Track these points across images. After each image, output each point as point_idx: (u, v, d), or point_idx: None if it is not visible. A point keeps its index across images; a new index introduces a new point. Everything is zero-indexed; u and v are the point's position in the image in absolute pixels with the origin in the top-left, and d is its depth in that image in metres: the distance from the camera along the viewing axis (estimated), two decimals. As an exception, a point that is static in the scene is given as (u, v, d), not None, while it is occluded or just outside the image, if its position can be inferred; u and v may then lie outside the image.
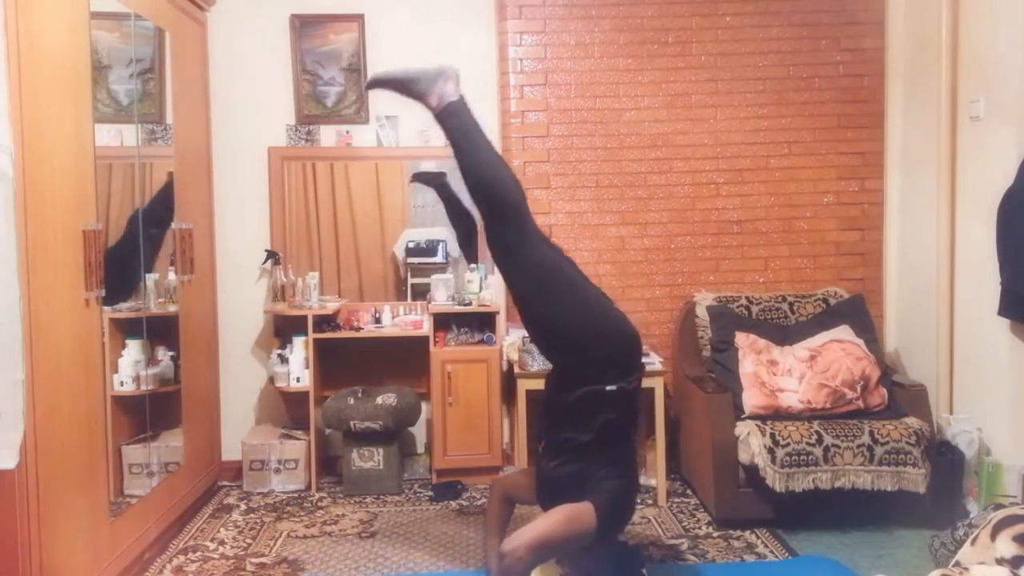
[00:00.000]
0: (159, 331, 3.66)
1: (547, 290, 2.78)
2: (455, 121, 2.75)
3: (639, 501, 4.03)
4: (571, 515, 2.64)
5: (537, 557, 2.61)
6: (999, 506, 2.73)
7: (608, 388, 2.72)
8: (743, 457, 3.65)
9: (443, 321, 4.39)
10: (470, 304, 4.34)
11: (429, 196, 4.69)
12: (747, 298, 4.35)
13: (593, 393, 2.74)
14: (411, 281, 4.64)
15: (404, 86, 2.79)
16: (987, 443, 3.73)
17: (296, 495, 4.26)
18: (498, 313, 4.39)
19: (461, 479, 4.32)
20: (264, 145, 4.52)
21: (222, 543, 3.68)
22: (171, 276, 3.82)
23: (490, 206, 2.77)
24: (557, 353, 2.90)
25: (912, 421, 3.70)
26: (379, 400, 4.23)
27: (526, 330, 3.01)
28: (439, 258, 4.59)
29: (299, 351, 4.29)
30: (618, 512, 2.79)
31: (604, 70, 4.51)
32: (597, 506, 2.65)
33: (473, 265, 4.49)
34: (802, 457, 3.56)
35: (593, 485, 2.70)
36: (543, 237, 2.94)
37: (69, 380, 2.80)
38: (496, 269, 4.53)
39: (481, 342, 4.36)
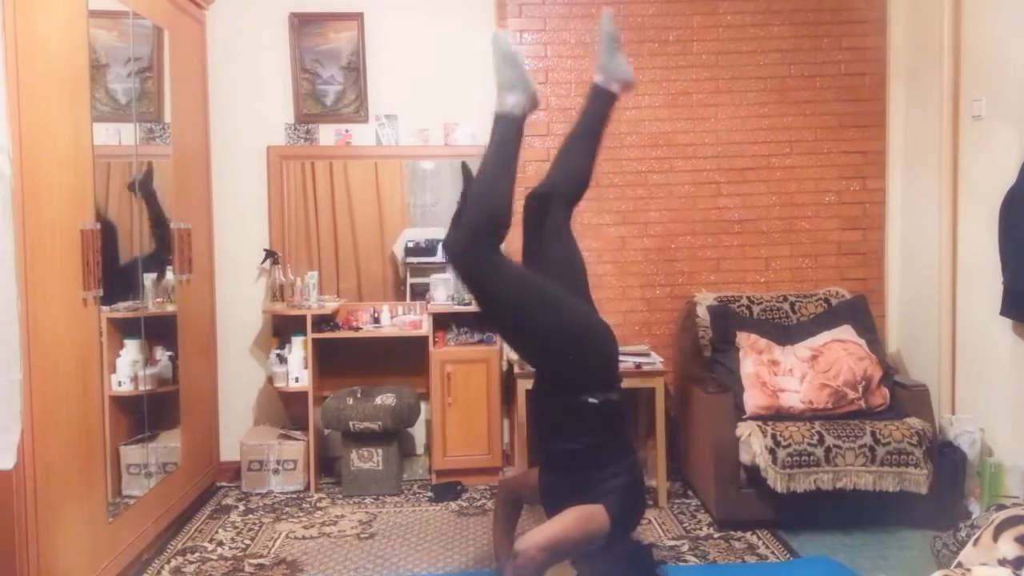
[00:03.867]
0: (157, 331, 3.65)
1: (527, 318, 2.71)
2: (509, 129, 2.76)
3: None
4: (584, 516, 2.62)
5: (551, 558, 2.59)
6: (1001, 507, 2.71)
7: (589, 400, 2.72)
8: (744, 458, 3.64)
9: (442, 321, 4.37)
10: (470, 304, 4.32)
11: (429, 196, 4.69)
12: (748, 298, 4.34)
13: (574, 402, 2.73)
14: (410, 281, 4.63)
15: (512, 68, 2.81)
16: (989, 443, 3.72)
17: (295, 496, 4.24)
18: (498, 313, 4.37)
19: (461, 480, 4.31)
20: (263, 144, 4.51)
21: (220, 544, 3.66)
22: (169, 276, 3.81)
23: (475, 218, 2.71)
24: (536, 355, 2.88)
25: (914, 421, 3.68)
26: (378, 400, 4.22)
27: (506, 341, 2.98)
28: (439, 258, 4.58)
29: (298, 351, 4.28)
30: (629, 510, 2.78)
31: (604, 69, 4.49)
32: (608, 508, 2.64)
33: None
34: (804, 458, 3.55)
35: (598, 490, 2.69)
36: (517, 265, 2.88)
37: (67, 380, 2.78)
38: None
39: (481, 342, 4.35)
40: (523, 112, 2.78)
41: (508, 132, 2.76)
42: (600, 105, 3.00)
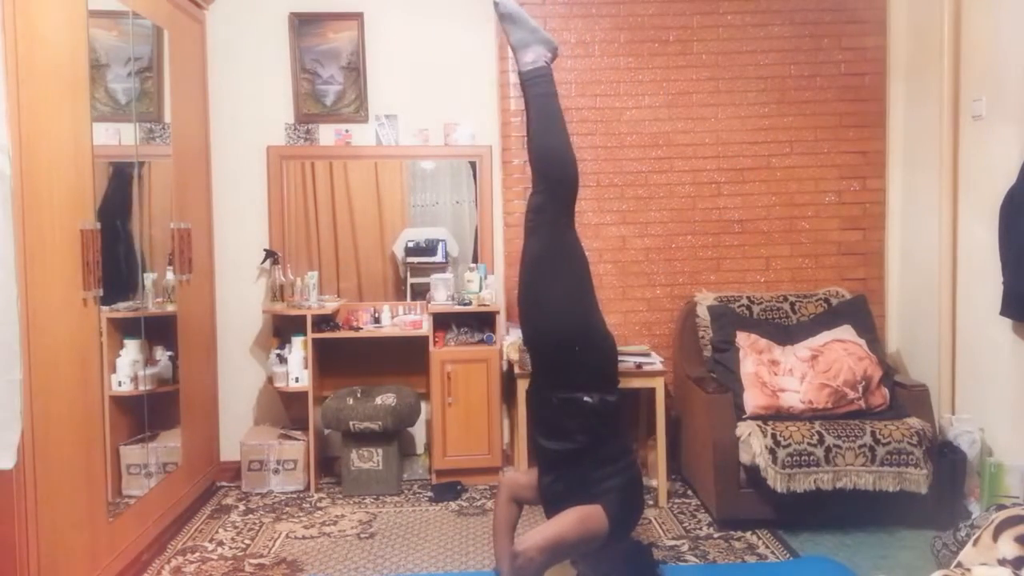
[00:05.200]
0: (157, 331, 3.64)
1: (559, 273, 2.80)
2: (542, 86, 2.80)
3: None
4: (583, 516, 2.63)
5: (550, 558, 2.60)
6: (1001, 507, 2.71)
7: (585, 399, 2.73)
8: (744, 458, 3.64)
9: (443, 321, 4.37)
10: (470, 304, 4.32)
11: (428, 196, 4.69)
12: (748, 298, 4.34)
13: (571, 401, 2.75)
14: (410, 281, 4.63)
15: (518, 26, 2.85)
16: (989, 443, 3.71)
17: (295, 496, 4.25)
18: (498, 313, 4.38)
19: (461, 479, 4.31)
20: (263, 144, 4.51)
21: (220, 544, 3.66)
22: (169, 276, 3.80)
23: (548, 175, 2.81)
24: (541, 342, 2.88)
25: (914, 421, 3.68)
26: (378, 400, 4.22)
27: (520, 309, 2.97)
28: (439, 258, 4.58)
29: (298, 351, 4.28)
30: (628, 509, 2.78)
31: (605, 69, 4.50)
32: (606, 508, 2.64)
33: (473, 264, 4.48)
34: (803, 457, 3.55)
35: (596, 489, 2.69)
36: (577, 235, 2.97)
37: (67, 380, 2.78)
38: (495, 269, 4.54)
39: (481, 342, 4.35)
40: (547, 62, 2.81)
41: (543, 88, 2.79)
42: (546, 85, 2.89)
